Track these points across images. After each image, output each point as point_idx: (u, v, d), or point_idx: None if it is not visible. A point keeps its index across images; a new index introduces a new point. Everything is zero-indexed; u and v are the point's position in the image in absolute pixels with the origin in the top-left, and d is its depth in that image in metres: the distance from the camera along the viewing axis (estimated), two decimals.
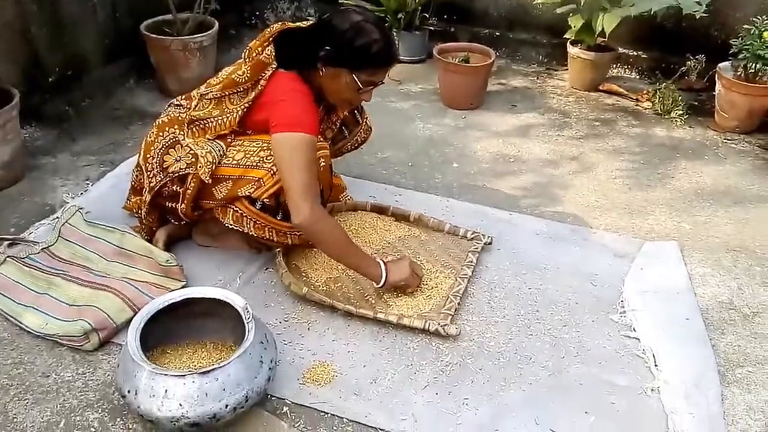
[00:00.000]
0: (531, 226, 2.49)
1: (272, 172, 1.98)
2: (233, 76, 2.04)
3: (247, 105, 2.03)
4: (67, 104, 3.16)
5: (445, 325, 1.96)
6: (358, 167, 2.81)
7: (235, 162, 2.04)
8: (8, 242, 2.24)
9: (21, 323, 1.92)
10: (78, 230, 2.26)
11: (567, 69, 3.80)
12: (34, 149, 2.88)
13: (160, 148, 2.12)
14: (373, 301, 2.08)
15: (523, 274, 2.25)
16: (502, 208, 2.59)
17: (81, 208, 2.35)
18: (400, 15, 3.76)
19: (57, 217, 2.36)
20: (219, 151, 2.05)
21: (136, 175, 2.22)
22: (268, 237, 2.10)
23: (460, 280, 2.15)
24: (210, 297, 1.77)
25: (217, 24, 3.42)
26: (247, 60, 2.06)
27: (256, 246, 2.29)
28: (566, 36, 3.55)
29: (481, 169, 2.88)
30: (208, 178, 2.01)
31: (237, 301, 1.73)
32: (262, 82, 2.02)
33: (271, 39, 2.07)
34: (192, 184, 2.06)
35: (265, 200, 2.00)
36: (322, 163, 2.08)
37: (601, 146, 3.09)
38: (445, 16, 4.00)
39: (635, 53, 3.80)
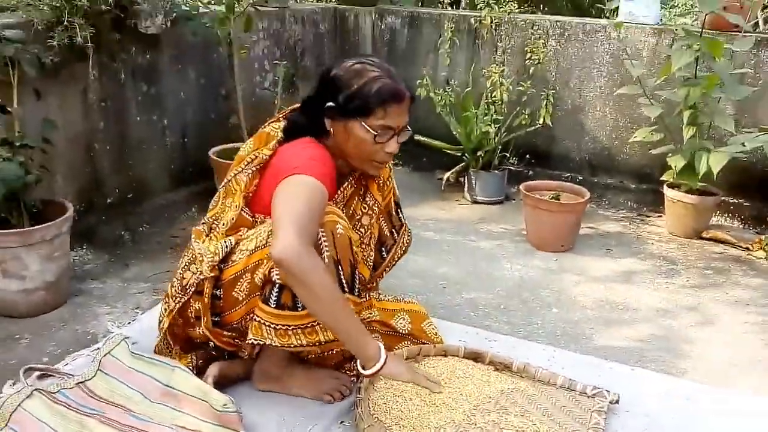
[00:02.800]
0: (661, 384, 2.04)
1: None
2: (239, 153, 1.88)
3: (249, 174, 1.79)
4: (124, 229, 2.93)
5: None
6: (442, 308, 2.44)
7: (248, 252, 1.73)
8: (39, 373, 1.87)
9: None
10: (121, 363, 1.90)
11: (660, 215, 3.48)
12: (82, 273, 2.60)
13: (182, 268, 1.85)
14: None
15: None
16: (620, 362, 2.16)
17: (127, 338, 2.00)
18: (479, 153, 3.55)
19: (98, 348, 2.01)
20: (226, 243, 1.76)
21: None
22: (295, 343, 1.73)
23: None
24: None
25: None
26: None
27: (327, 392, 1.89)
28: (663, 178, 3.26)
29: (586, 316, 2.48)
30: (208, 271, 1.71)
31: None
32: (265, 150, 1.80)
33: (280, 117, 1.91)
34: (207, 290, 1.75)
35: (274, 276, 1.66)
36: (340, 231, 1.70)
37: (720, 297, 2.67)
38: (527, 157, 3.78)
39: (736, 201, 3.47)
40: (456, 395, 1.90)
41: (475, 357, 2.07)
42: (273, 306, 1.69)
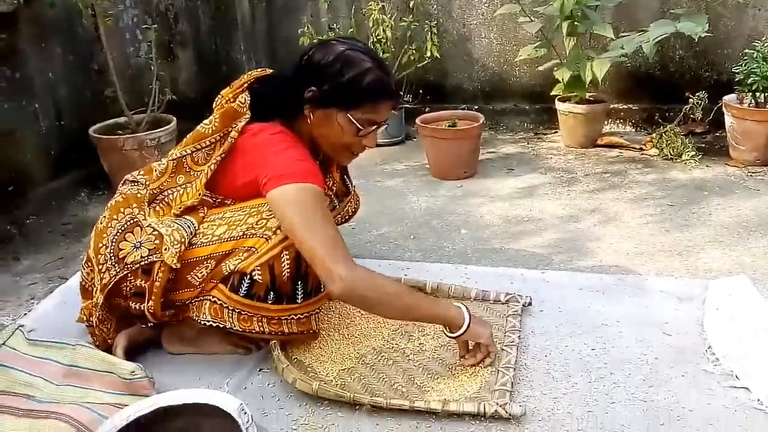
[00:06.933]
0: (571, 281, 2.09)
1: (266, 237, 1.59)
2: (198, 127, 1.68)
3: (216, 162, 1.65)
4: (10, 222, 2.73)
5: (505, 403, 1.50)
6: (354, 246, 2.41)
7: (215, 238, 1.63)
8: None
9: None
10: (17, 352, 1.77)
11: (556, 131, 3.55)
12: None
13: (115, 234, 1.69)
14: (405, 390, 1.62)
15: (580, 334, 1.81)
16: (530, 268, 2.19)
17: (21, 326, 1.87)
18: None
19: None
20: (189, 228, 1.64)
21: (87, 273, 1.77)
22: (257, 330, 1.66)
23: (507, 349, 1.71)
24: (192, 402, 1.31)
25: (175, 120, 3.09)
26: (215, 108, 1.71)
27: (243, 345, 1.83)
28: (554, 93, 3.31)
29: (493, 232, 2.50)
30: (175, 262, 1.59)
31: (228, 404, 1.27)
32: (233, 133, 1.65)
33: (245, 86, 1.73)
34: (160, 275, 1.62)
35: (255, 275, 1.58)
36: None
37: (620, 196, 2.76)
38: (421, 93, 3.75)
39: (626, 106, 3.58)
40: (374, 324, 1.88)
41: None
42: (242, 295, 1.61)
